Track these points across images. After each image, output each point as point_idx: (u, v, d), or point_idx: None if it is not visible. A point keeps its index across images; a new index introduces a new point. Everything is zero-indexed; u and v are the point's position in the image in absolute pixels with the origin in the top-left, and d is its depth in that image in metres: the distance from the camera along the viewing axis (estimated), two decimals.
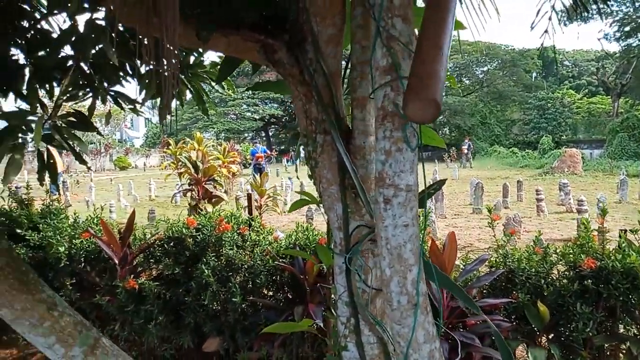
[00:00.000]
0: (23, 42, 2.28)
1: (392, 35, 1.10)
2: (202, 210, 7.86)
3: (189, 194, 9.23)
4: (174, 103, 2.26)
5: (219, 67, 2.76)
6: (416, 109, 0.89)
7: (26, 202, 3.73)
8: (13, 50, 2.29)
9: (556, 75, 50.43)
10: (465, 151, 29.56)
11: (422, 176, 1.18)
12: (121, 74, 2.55)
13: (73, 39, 2.09)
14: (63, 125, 2.44)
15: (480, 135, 39.06)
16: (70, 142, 2.46)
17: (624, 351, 2.65)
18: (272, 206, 10.10)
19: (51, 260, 3.22)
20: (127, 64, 2.52)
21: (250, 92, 40.96)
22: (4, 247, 1.86)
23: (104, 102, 2.66)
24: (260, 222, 3.53)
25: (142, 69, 2.52)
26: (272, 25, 1.64)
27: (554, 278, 2.72)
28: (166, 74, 1.30)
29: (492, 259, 2.89)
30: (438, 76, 0.86)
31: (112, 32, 1.87)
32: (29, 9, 2.29)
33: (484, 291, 2.84)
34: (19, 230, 3.39)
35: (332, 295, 1.84)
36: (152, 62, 1.28)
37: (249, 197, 4.54)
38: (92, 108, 2.61)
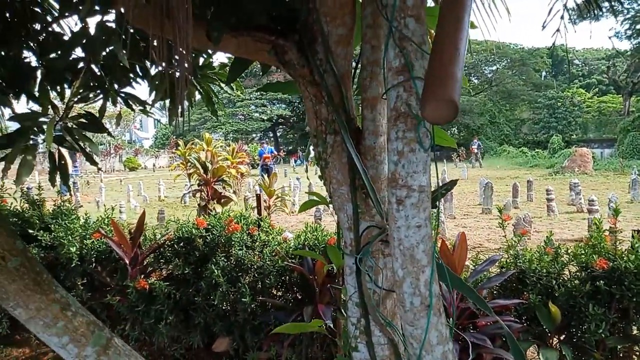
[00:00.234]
0: (35, 44, 2.30)
1: (405, 36, 1.09)
2: (211, 210, 7.90)
3: (198, 194, 9.28)
4: (184, 104, 2.27)
5: (228, 68, 2.77)
6: (434, 109, 0.88)
7: (38, 203, 3.76)
8: (25, 53, 2.32)
9: (566, 74, 50.00)
10: (475, 151, 29.39)
11: (435, 177, 1.17)
12: (131, 75, 2.57)
13: (84, 41, 2.11)
14: (74, 126, 2.46)
15: (489, 135, 38.83)
16: (81, 143, 2.48)
17: (638, 353, 2.62)
18: (281, 206, 10.12)
19: (63, 260, 3.25)
20: (137, 66, 2.54)
21: (258, 93, 41.12)
22: (18, 248, 1.88)
23: (114, 103, 2.68)
24: (270, 223, 3.54)
25: (152, 71, 2.54)
26: (282, 26, 1.64)
27: (566, 279, 2.70)
28: (177, 75, 1.30)
29: (502, 259, 2.87)
30: (455, 76, 0.86)
31: (122, 34, 1.88)
32: (41, 12, 2.32)
33: (495, 292, 2.82)
34: (31, 231, 3.42)
35: (342, 296, 1.84)
36: (163, 64, 1.29)
37: (258, 197, 4.55)
38: (102, 109, 2.63)
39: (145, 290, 2.97)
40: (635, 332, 2.62)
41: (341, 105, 1.60)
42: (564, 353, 2.48)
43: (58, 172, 2.45)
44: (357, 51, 1.73)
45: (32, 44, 2.29)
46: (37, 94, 2.33)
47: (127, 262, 3.14)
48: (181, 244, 3.20)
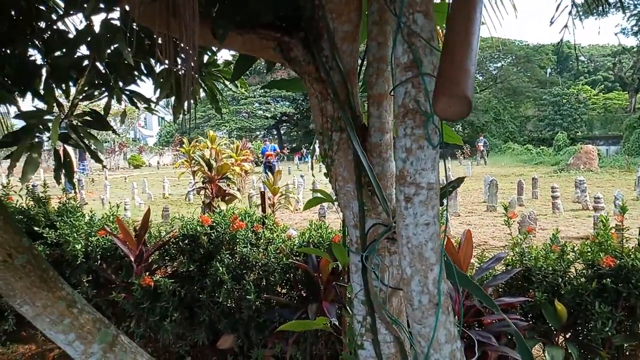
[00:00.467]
0: (40, 42, 2.31)
1: (414, 31, 1.08)
2: (215, 208, 7.92)
3: (202, 191, 9.29)
4: (189, 102, 2.27)
5: (232, 65, 2.77)
6: (447, 105, 0.87)
7: (43, 201, 3.77)
8: (30, 51, 2.33)
9: (571, 71, 49.71)
10: (481, 148, 29.28)
11: (444, 173, 1.16)
12: (136, 73, 2.57)
13: (89, 39, 2.11)
14: (79, 124, 2.46)
15: (494, 132, 38.69)
16: (86, 141, 2.48)
17: None
18: (285, 204, 10.12)
19: (68, 258, 3.26)
20: (142, 64, 2.54)
21: (262, 90, 41.13)
22: (25, 245, 1.88)
23: (119, 101, 2.68)
24: (274, 220, 3.54)
25: (157, 68, 2.54)
26: (288, 23, 1.64)
27: (572, 276, 2.68)
28: (182, 73, 1.30)
29: (508, 257, 2.86)
30: (469, 72, 0.84)
31: (127, 32, 1.88)
32: (46, 10, 2.32)
33: (500, 290, 2.82)
34: (36, 228, 3.43)
35: (348, 294, 1.83)
36: (168, 62, 1.28)
37: (263, 195, 4.54)
38: (107, 107, 2.63)
39: (150, 288, 2.97)
40: None
41: (347, 102, 1.60)
42: (569, 351, 2.47)
43: (63, 170, 2.46)
44: (362, 48, 1.72)
45: (37, 42, 2.29)
46: (42, 92, 2.34)
47: (132, 259, 3.15)
48: (186, 242, 3.21)
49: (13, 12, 2.18)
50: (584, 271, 2.67)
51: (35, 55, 2.33)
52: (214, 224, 3.19)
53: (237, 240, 3.09)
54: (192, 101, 2.89)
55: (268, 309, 2.97)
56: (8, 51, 2.25)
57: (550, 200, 10.66)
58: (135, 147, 41.86)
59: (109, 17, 1.98)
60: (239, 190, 10.44)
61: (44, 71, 2.30)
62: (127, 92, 2.63)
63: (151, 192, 16.21)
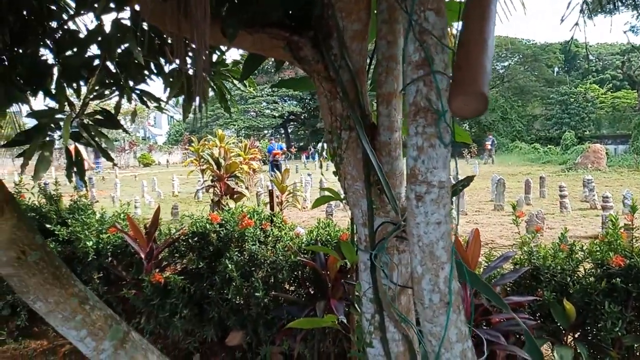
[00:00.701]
0: (52, 42, 2.33)
1: (425, 29, 1.08)
2: (224, 206, 7.95)
3: (211, 190, 9.33)
4: (199, 101, 2.28)
5: (241, 65, 2.78)
6: (463, 103, 0.87)
7: (55, 198, 3.82)
8: (42, 51, 2.35)
9: (579, 70, 49.27)
10: (489, 147, 29.13)
11: (455, 172, 1.16)
12: (146, 72, 2.58)
13: (99, 38, 2.13)
14: (90, 123, 2.48)
15: (501, 131, 38.45)
16: (97, 140, 2.51)
17: None
18: (293, 202, 10.14)
19: (79, 255, 3.30)
20: (152, 63, 2.56)
21: (269, 89, 41.19)
22: (38, 242, 1.91)
23: (129, 100, 2.70)
24: (282, 218, 3.55)
25: (167, 68, 2.55)
26: (297, 22, 1.64)
27: (580, 276, 2.67)
28: (191, 72, 1.31)
29: (516, 256, 2.85)
30: (485, 68, 0.84)
31: (137, 32, 1.90)
32: (57, 10, 2.34)
33: (508, 289, 2.81)
34: (48, 225, 3.48)
35: (357, 292, 1.84)
36: (179, 61, 1.29)
37: (271, 193, 4.56)
38: (118, 106, 2.65)
39: (160, 284, 3.00)
40: None
41: (356, 101, 1.60)
42: (579, 351, 2.46)
43: (74, 168, 2.48)
44: (371, 47, 1.73)
45: (48, 42, 2.32)
46: (54, 91, 2.36)
47: (143, 256, 3.18)
48: (195, 239, 3.24)
49: (25, 12, 2.21)
50: (592, 270, 2.66)
51: (47, 55, 2.35)
52: (223, 222, 3.22)
53: (246, 237, 3.11)
54: (202, 100, 2.91)
55: (276, 306, 2.99)
56: (20, 51, 2.28)
57: (558, 199, 10.60)
58: (145, 145, 42.07)
59: (119, 17, 1.99)
60: (247, 188, 10.46)
61: (55, 70, 2.32)
62: (137, 91, 2.65)
63: (161, 190, 16.29)
